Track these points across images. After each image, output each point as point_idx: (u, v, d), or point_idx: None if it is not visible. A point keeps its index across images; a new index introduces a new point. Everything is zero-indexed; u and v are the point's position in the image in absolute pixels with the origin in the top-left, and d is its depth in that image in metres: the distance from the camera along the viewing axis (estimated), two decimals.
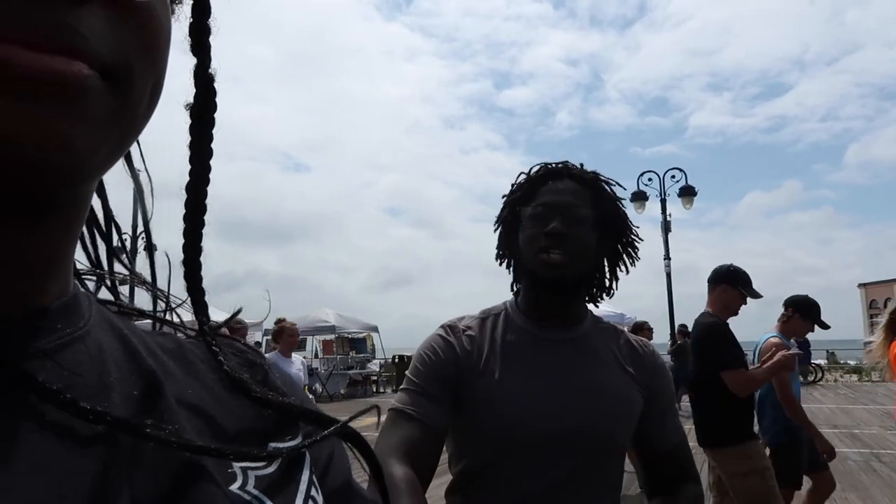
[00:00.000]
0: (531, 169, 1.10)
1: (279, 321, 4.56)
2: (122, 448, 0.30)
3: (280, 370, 0.45)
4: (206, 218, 0.39)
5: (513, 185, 1.10)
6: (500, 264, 1.11)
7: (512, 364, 0.97)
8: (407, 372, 0.99)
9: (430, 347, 0.98)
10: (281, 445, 0.37)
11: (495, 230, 1.10)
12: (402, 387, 0.97)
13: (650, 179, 14.24)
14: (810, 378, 16.07)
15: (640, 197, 14.72)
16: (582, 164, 1.08)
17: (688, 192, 13.97)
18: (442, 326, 1.02)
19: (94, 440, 0.29)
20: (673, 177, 14.27)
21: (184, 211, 0.38)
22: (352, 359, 14.79)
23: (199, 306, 0.40)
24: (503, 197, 1.10)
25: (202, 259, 0.39)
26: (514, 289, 1.12)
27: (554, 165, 1.09)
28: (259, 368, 0.43)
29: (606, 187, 1.06)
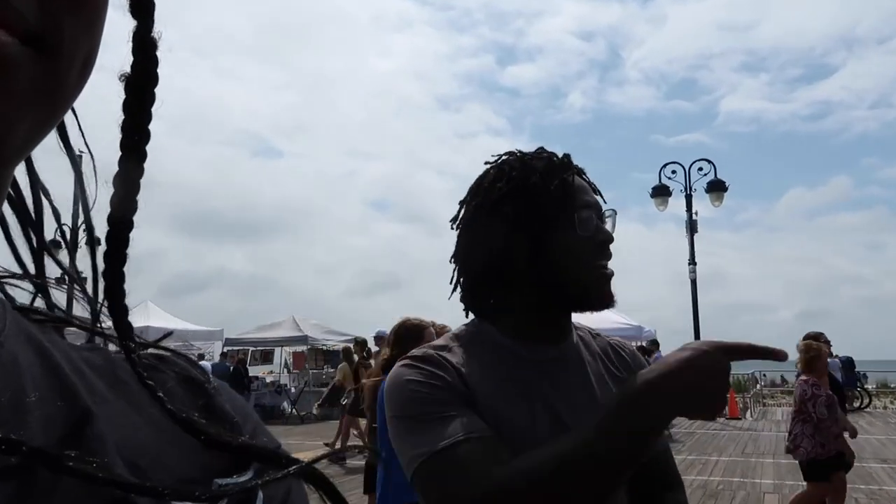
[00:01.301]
0: (531, 156, 1.05)
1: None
2: (38, 484, 0.29)
3: (230, 392, 0.44)
4: (139, 212, 0.38)
5: (510, 172, 1.03)
6: (464, 281, 1.05)
7: (506, 392, 0.96)
8: (392, 413, 0.93)
9: (407, 377, 0.94)
10: (229, 482, 0.36)
11: (472, 232, 1.04)
12: (403, 432, 0.91)
13: (674, 172, 14.29)
14: (856, 404, 16.22)
15: (661, 192, 14.60)
16: (567, 156, 1.06)
17: (717, 187, 13.96)
18: (406, 358, 0.98)
19: (6, 474, 0.28)
20: (700, 169, 14.29)
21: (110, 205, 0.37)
22: (327, 374, 14.73)
23: (122, 327, 0.39)
24: (499, 185, 1.02)
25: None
26: (477, 310, 1.08)
27: (554, 156, 1.06)
28: (202, 391, 0.42)
29: (591, 182, 1.11)
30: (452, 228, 1.05)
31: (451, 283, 1.05)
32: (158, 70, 0.37)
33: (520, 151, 1.05)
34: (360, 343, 9.08)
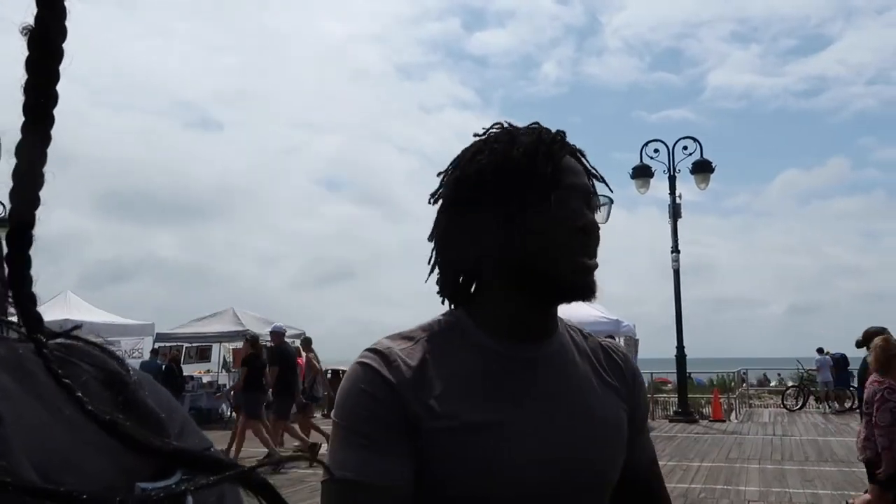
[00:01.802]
0: (522, 130, 1.03)
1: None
2: None
3: (154, 385, 0.44)
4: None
5: (493, 144, 1.01)
6: (440, 264, 1.06)
7: (476, 397, 0.95)
8: (335, 416, 0.94)
9: (360, 385, 0.94)
10: (154, 486, 0.36)
11: (449, 209, 1.04)
12: (336, 441, 0.93)
13: (657, 151, 14.28)
14: (847, 404, 16.36)
15: (643, 173, 14.97)
16: (561, 133, 1.04)
17: (703, 168, 14.02)
18: (368, 352, 0.97)
19: None
20: (685, 148, 14.24)
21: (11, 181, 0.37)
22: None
23: (29, 318, 0.38)
24: (479, 157, 1.01)
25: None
26: (452, 298, 1.07)
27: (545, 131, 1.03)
28: (122, 385, 0.41)
29: (589, 165, 1.06)
30: (430, 203, 1.05)
31: (428, 263, 1.06)
32: (68, 23, 0.37)
33: (510, 124, 1.04)
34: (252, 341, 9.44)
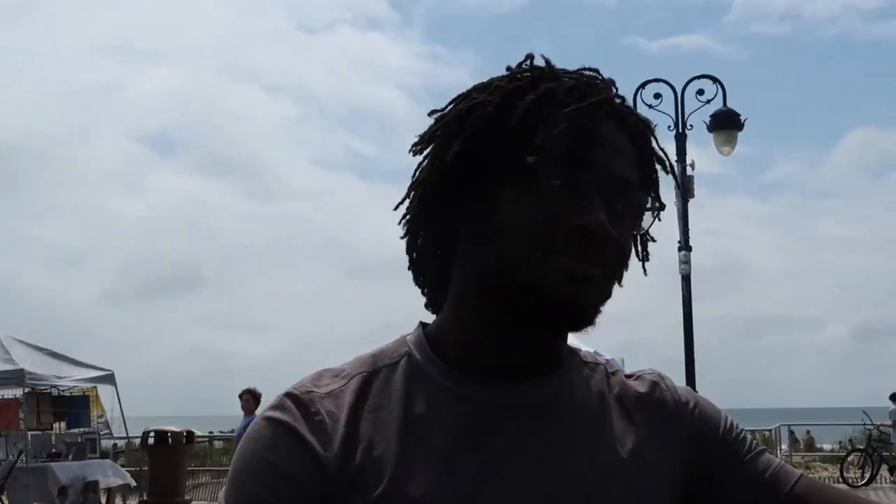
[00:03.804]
0: (559, 73, 0.87)
1: None
2: None
3: None
4: None
5: (495, 85, 0.87)
6: (418, 269, 0.94)
7: (434, 465, 0.82)
8: (225, 494, 0.87)
9: (263, 452, 0.82)
10: None
11: (414, 192, 0.91)
12: None
13: (658, 97, 11.81)
14: None
15: None
16: (614, 85, 0.88)
17: (728, 123, 11.76)
18: (279, 400, 0.85)
19: None
20: (700, 93, 11.98)
21: None
22: (58, 438, 12.33)
23: None
24: (460, 106, 0.88)
25: None
26: (432, 310, 0.97)
27: (576, 74, 0.88)
28: None
29: (657, 146, 0.92)
30: (412, 154, 0.93)
31: (405, 242, 0.94)
32: None
33: (546, 61, 0.87)
34: None
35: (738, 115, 11.58)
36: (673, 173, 0.91)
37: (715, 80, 11.33)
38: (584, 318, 0.81)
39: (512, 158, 0.81)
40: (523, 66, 0.86)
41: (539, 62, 0.86)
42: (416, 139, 0.89)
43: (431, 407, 0.83)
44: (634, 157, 0.85)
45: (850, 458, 15.97)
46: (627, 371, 0.94)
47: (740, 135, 11.78)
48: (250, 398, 9.34)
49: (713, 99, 11.36)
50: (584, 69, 0.87)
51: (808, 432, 22.74)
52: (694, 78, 11.80)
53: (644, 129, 0.87)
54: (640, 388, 0.93)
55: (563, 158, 0.79)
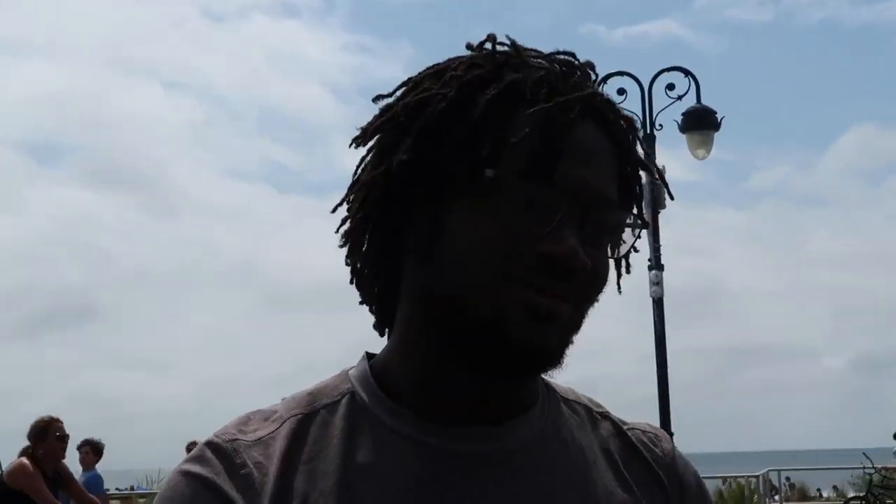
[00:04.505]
0: (525, 56, 0.82)
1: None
2: None
3: None
4: None
5: (449, 72, 0.81)
6: (361, 284, 0.88)
7: None
8: None
9: None
10: None
11: (354, 195, 0.85)
12: None
13: (622, 92, 11.20)
14: None
15: None
16: (593, 71, 0.85)
17: (703, 123, 11.38)
18: (198, 451, 0.80)
19: None
20: (671, 88, 11.47)
21: None
22: None
23: None
24: (413, 96, 0.81)
25: None
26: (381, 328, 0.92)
27: (542, 57, 0.83)
28: None
29: (642, 150, 0.87)
30: (353, 147, 0.86)
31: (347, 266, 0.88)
32: None
33: (512, 44, 0.81)
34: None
35: (715, 112, 11.00)
36: (663, 182, 0.89)
37: (687, 72, 10.75)
38: (549, 360, 0.76)
39: (467, 167, 0.75)
40: (484, 47, 0.80)
41: (503, 42, 0.81)
42: (357, 131, 0.83)
43: (377, 455, 0.78)
44: (614, 164, 0.79)
45: None
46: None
47: (717, 136, 11.19)
48: (89, 450, 8.43)
49: (685, 95, 10.87)
50: (558, 53, 0.82)
51: (786, 480, 21.52)
52: (663, 71, 11.44)
53: (627, 131, 0.81)
54: (637, 441, 0.88)
55: (529, 171, 0.73)
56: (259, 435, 0.77)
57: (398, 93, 0.81)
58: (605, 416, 0.88)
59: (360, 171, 0.82)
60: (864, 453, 16.21)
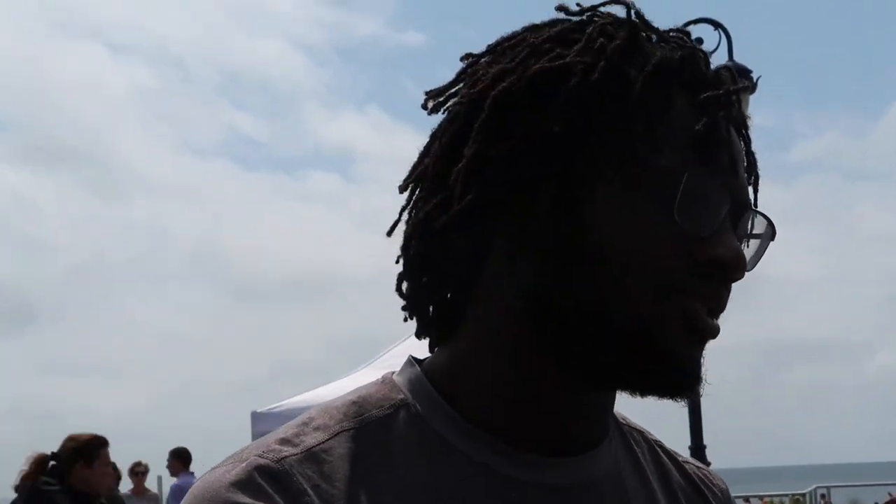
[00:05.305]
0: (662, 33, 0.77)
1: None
2: None
3: None
4: None
5: (594, 38, 0.74)
6: (406, 254, 0.81)
7: None
8: None
9: None
10: None
11: (454, 177, 0.75)
12: None
13: None
14: None
15: None
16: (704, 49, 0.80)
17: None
18: (250, 472, 0.70)
19: None
20: (699, 43, 9.36)
21: None
22: None
23: None
24: (552, 55, 0.74)
25: None
26: (427, 331, 0.84)
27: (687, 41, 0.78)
28: None
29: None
30: (429, 112, 0.82)
31: (394, 229, 0.83)
32: None
33: (636, 10, 0.77)
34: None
35: (750, 72, 10.01)
36: (755, 185, 0.82)
37: (717, 25, 9.99)
38: (699, 379, 0.73)
39: (621, 150, 0.71)
40: (597, 9, 0.76)
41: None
42: (433, 90, 0.78)
43: (450, 483, 0.73)
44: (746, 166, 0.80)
45: None
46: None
47: (753, 99, 10.13)
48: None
49: (715, 51, 9.88)
50: (675, 30, 0.79)
51: (820, 497, 20.24)
52: (690, 23, 10.49)
53: (748, 127, 0.80)
54: (694, 479, 0.88)
55: (694, 161, 0.71)
56: (308, 444, 0.71)
57: (487, 57, 0.77)
58: (661, 445, 0.88)
59: (443, 142, 0.75)
60: None
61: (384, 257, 0.81)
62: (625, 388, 0.74)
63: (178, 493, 8.31)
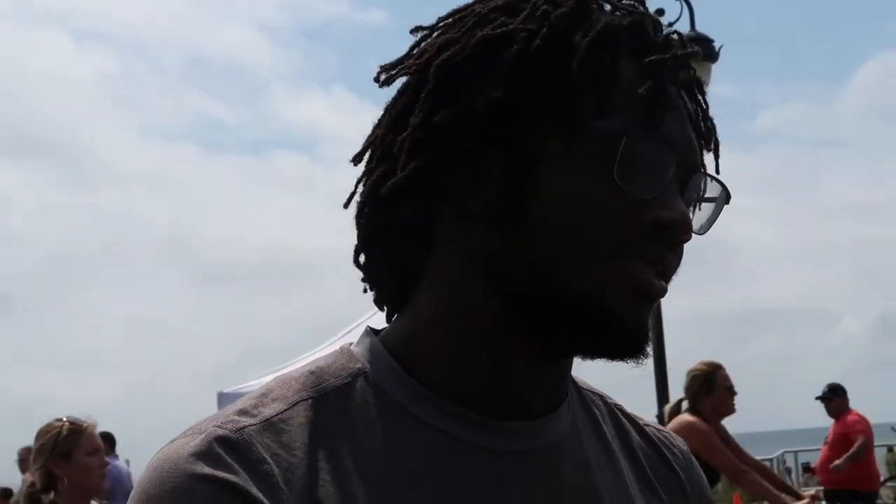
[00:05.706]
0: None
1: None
2: None
3: None
4: None
5: (509, 15, 0.76)
6: (377, 251, 0.81)
7: None
8: None
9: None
10: None
11: (399, 146, 0.77)
12: None
13: None
14: None
15: None
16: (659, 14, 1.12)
17: (699, 54, 9.15)
18: (209, 442, 0.71)
19: None
20: (659, 13, 10.33)
21: None
22: None
23: None
24: (493, 23, 0.76)
25: None
26: (382, 296, 0.86)
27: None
28: None
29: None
30: (380, 85, 0.83)
31: (350, 201, 0.82)
32: None
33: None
34: None
35: (712, 41, 10.24)
36: (715, 151, 0.83)
37: None
38: (646, 341, 0.74)
39: (567, 114, 0.71)
40: None
41: None
42: (388, 62, 0.80)
43: (403, 448, 0.73)
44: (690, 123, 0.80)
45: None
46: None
47: (715, 68, 10.31)
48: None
49: (676, 21, 9.86)
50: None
51: (806, 462, 21.33)
52: None
53: (702, 90, 0.80)
54: (656, 441, 0.89)
55: (643, 125, 0.72)
56: (266, 414, 0.71)
57: (441, 26, 0.78)
58: (621, 409, 0.89)
59: (393, 113, 0.77)
60: (892, 428, 15.53)
61: (354, 237, 0.82)
62: (576, 351, 0.75)
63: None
